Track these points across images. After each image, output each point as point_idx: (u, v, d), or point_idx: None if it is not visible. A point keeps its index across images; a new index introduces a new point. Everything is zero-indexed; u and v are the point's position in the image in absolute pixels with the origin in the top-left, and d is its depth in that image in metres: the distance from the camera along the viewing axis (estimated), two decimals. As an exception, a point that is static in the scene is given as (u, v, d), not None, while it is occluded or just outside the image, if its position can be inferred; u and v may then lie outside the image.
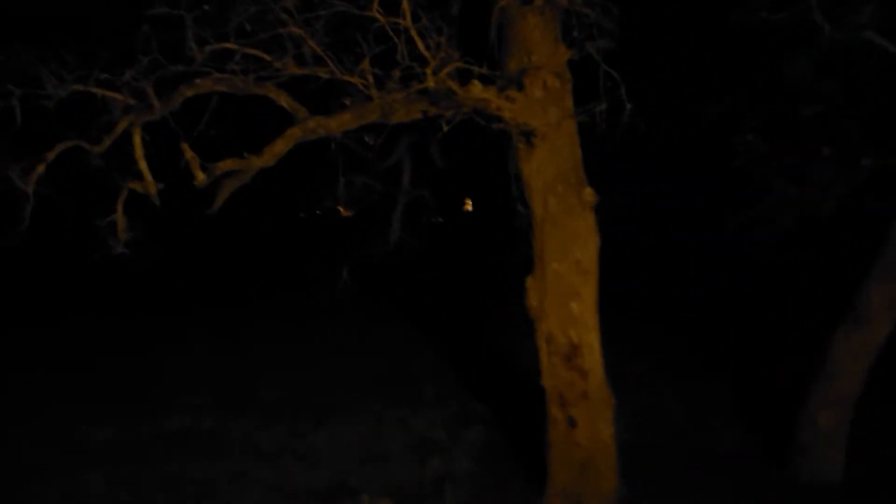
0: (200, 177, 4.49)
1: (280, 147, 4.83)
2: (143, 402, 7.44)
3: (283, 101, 4.89)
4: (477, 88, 4.62)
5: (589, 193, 5.03)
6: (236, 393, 7.77)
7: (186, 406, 7.29)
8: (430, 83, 4.61)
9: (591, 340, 5.02)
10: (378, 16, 4.55)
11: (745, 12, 4.84)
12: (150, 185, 4.81)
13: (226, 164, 4.66)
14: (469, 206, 23.10)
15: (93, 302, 12.60)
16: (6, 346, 10.07)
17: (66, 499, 5.32)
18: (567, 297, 4.97)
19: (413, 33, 4.57)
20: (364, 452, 6.06)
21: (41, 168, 4.73)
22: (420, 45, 4.59)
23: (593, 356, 5.03)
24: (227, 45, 4.74)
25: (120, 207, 5.01)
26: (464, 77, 4.75)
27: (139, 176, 4.86)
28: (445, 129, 4.81)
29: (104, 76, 4.57)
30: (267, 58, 4.81)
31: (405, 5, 4.50)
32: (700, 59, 6.19)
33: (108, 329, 11.16)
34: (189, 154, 4.46)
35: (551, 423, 5.07)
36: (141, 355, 9.47)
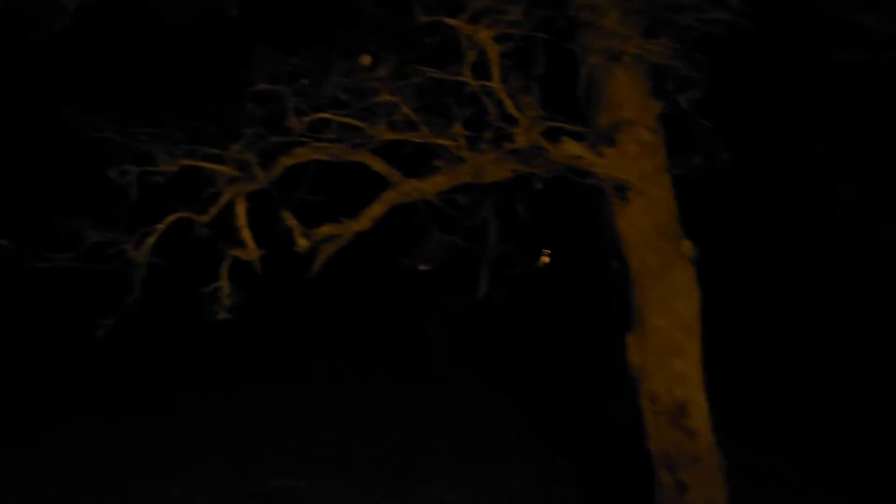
0: (303, 243, 4.62)
1: (376, 210, 4.94)
2: (237, 461, 7.55)
3: (378, 166, 5.02)
4: (569, 146, 4.62)
5: (687, 246, 4.90)
6: (328, 451, 7.81)
7: (280, 465, 7.36)
8: (521, 143, 4.65)
9: (698, 399, 4.83)
10: (468, 80, 4.65)
11: (849, 53, 4.70)
12: (253, 251, 4.99)
13: (325, 230, 4.79)
14: (546, 259, 22.95)
15: (183, 353, 12.98)
16: (104, 398, 10.47)
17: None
18: (670, 353, 4.82)
19: (502, 95, 4.64)
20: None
21: (152, 239, 4.98)
22: (509, 106, 4.66)
23: (701, 416, 4.82)
24: (324, 115, 4.93)
25: (224, 274, 5.20)
26: (553, 134, 4.77)
27: (241, 243, 5.07)
28: (539, 187, 4.83)
29: (211, 151, 4.82)
30: (361, 125, 4.97)
31: (494, 69, 4.59)
32: (800, 101, 6.03)
33: (198, 379, 11.44)
34: (291, 222, 4.61)
35: (660, 487, 4.86)
36: (230, 410, 9.65)
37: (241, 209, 4.86)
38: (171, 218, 4.86)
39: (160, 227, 4.93)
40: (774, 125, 5.78)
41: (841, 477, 6.36)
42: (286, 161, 4.91)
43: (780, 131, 5.78)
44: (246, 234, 4.89)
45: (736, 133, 5.11)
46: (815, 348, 10.45)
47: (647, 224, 4.88)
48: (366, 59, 4.80)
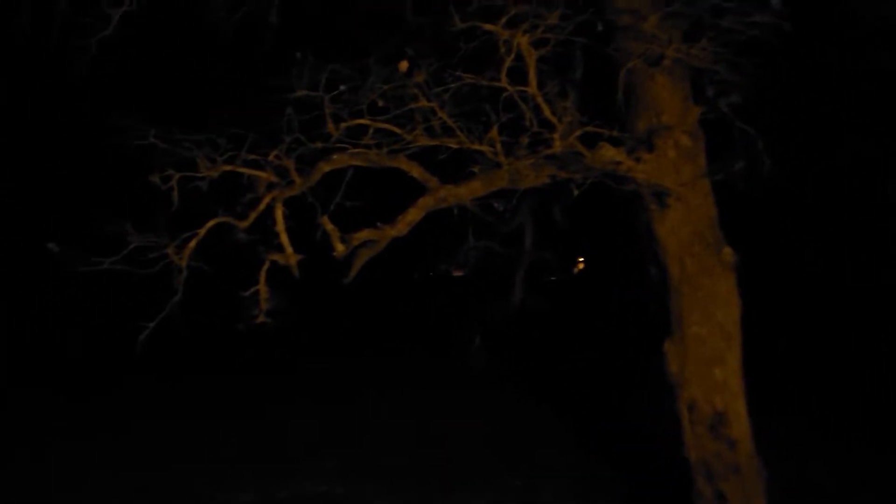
0: (340, 248, 4.65)
1: (412, 216, 4.95)
2: (276, 465, 7.63)
3: (415, 171, 5.03)
4: (608, 151, 4.58)
5: (728, 253, 4.83)
6: (362, 457, 7.85)
7: (317, 470, 7.41)
8: (558, 148, 4.62)
9: (738, 408, 4.75)
10: (505, 85, 4.64)
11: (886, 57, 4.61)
12: (291, 256, 5.03)
13: (362, 235, 4.81)
14: (581, 266, 22.79)
15: (223, 362, 13.22)
16: (152, 401, 10.70)
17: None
18: (710, 362, 4.75)
19: (539, 100, 4.62)
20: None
21: (193, 243, 5.06)
22: (546, 111, 4.63)
23: (741, 425, 4.75)
24: (362, 121, 4.97)
25: (262, 278, 5.26)
26: (591, 140, 4.74)
27: (280, 248, 5.12)
28: (576, 192, 4.80)
29: (251, 157, 4.88)
30: (398, 131, 4.99)
31: (531, 74, 4.57)
32: (838, 102, 5.90)
33: (240, 387, 11.64)
34: (329, 227, 4.64)
35: (698, 497, 4.79)
36: (270, 415, 9.78)
37: (279, 214, 4.91)
38: (212, 223, 4.93)
39: (201, 231, 5.00)
40: (817, 129, 5.66)
41: (879, 486, 6.18)
42: (324, 167, 4.95)
43: (823, 135, 5.65)
44: (284, 239, 4.94)
45: (778, 137, 5.01)
46: (853, 355, 10.22)
47: (686, 231, 4.82)
48: (403, 65, 4.82)
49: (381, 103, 5.07)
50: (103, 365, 12.65)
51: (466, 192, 4.99)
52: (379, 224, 4.96)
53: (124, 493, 6.98)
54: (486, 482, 6.84)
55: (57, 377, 12.37)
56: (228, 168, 4.85)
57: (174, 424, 9.41)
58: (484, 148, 4.81)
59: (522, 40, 4.46)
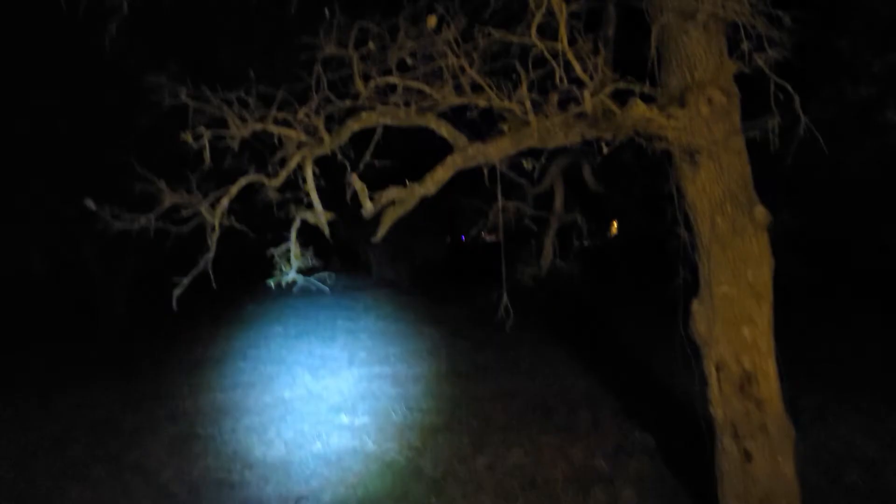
0: (369, 206, 4.69)
1: (441, 175, 4.96)
2: (306, 422, 7.80)
3: (444, 130, 5.02)
4: (639, 108, 4.51)
5: (761, 213, 4.75)
6: (393, 415, 7.97)
7: (346, 425, 7.57)
8: (588, 106, 4.56)
9: (767, 368, 4.72)
10: (535, 42, 4.58)
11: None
12: (321, 214, 5.09)
13: (391, 194, 4.84)
14: (615, 230, 22.59)
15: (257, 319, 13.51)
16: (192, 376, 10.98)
17: None
18: (739, 321, 4.71)
19: (570, 57, 4.55)
20: (525, 480, 6.00)
21: (226, 201, 5.14)
22: (577, 69, 4.57)
23: (769, 385, 4.72)
24: (390, 79, 4.96)
25: (293, 236, 5.33)
26: (622, 97, 4.67)
27: (310, 206, 5.18)
28: (606, 151, 4.75)
29: (280, 115, 4.92)
30: (427, 89, 4.97)
31: (562, 30, 4.50)
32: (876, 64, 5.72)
33: (272, 350, 11.87)
34: (358, 185, 4.67)
35: (723, 455, 4.79)
36: (299, 377, 9.95)
37: (309, 173, 4.95)
38: (243, 181, 5.00)
39: (233, 189, 5.08)
40: (848, 84, 5.48)
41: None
42: (353, 125, 4.96)
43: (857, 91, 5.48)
44: (314, 197, 4.99)
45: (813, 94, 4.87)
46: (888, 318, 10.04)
47: (718, 190, 4.74)
48: (432, 21, 4.78)
49: (409, 61, 5.05)
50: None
51: (495, 151, 4.97)
52: (407, 182, 4.97)
53: (165, 444, 7.24)
54: (517, 439, 6.91)
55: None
56: (259, 127, 4.89)
57: (208, 394, 9.63)
58: (513, 106, 4.77)
59: (553, -5, 4.38)
